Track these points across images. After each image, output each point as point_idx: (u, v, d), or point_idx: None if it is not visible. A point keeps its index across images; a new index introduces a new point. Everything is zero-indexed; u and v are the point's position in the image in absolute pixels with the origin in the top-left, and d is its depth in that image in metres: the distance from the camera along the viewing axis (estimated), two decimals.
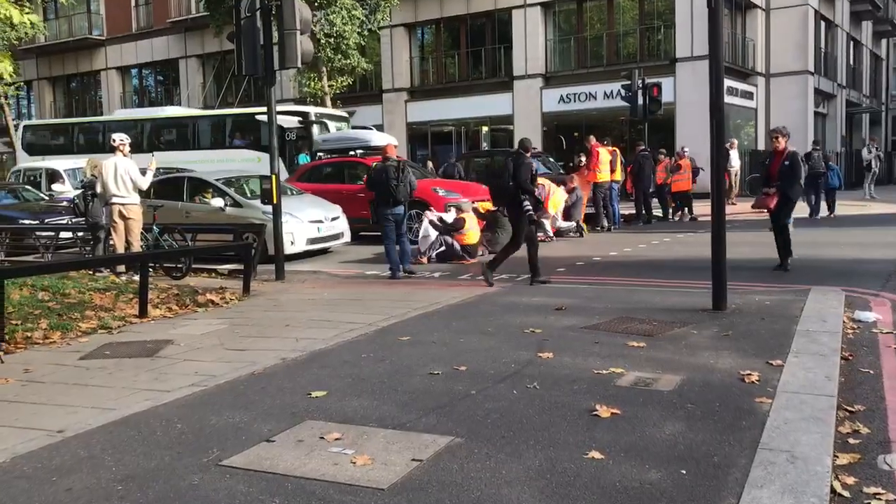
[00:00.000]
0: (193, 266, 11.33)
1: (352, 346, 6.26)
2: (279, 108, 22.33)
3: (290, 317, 7.69)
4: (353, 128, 23.01)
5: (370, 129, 23.43)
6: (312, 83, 25.04)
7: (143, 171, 11.08)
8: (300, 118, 20.79)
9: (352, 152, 17.21)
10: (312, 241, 13.32)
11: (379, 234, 15.16)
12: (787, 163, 9.84)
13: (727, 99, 25.43)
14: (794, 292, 8.03)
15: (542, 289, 9.08)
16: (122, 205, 10.80)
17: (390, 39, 30.04)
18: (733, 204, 19.15)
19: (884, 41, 41.45)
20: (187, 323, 7.62)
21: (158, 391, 5.07)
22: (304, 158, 19.90)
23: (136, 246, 10.93)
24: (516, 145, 9.96)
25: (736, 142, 22.34)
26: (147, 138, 24.12)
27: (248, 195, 13.94)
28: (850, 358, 5.64)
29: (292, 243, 12.83)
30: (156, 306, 8.36)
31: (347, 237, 14.15)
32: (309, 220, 13.28)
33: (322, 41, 23.53)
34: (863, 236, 13.61)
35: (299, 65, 10.48)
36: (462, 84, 29.51)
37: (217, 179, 14.18)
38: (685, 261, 11.61)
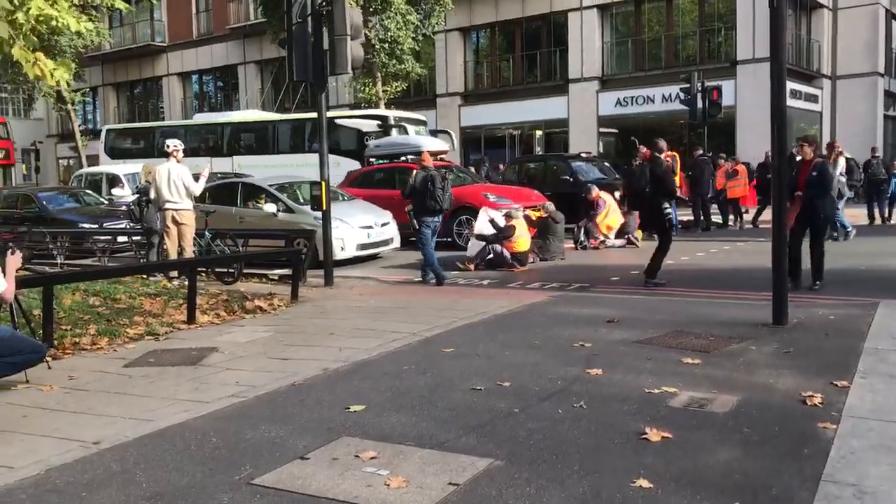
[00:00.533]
0: (245, 271, 11.39)
1: (394, 356, 6.13)
2: (360, 112, 22.61)
3: (335, 325, 7.60)
4: (431, 132, 23.00)
5: (449, 133, 23.38)
6: (367, 88, 25.12)
7: (196, 177, 11.19)
8: (379, 122, 20.73)
9: (403, 157, 17.14)
10: (362, 246, 13.28)
11: None
12: (814, 173, 9.04)
13: (790, 102, 24.66)
14: (861, 306, 7.62)
15: (594, 299, 8.84)
16: (175, 210, 10.91)
17: (445, 44, 29.99)
18: None
19: None
20: (234, 330, 7.60)
21: (197, 402, 5.01)
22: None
23: (189, 251, 11.02)
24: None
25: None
26: (227, 142, 24.48)
27: (301, 201, 13.99)
28: None
29: (342, 248, 12.80)
30: (204, 312, 8.36)
31: (397, 243, 14.08)
32: (359, 225, 13.24)
33: (377, 46, 23.59)
34: None
35: (349, 70, 10.44)
36: (517, 88, 29.28)
37: (270, 185, 14.26)
38: (745, 270, 11.20)
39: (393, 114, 21.76)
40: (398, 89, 25.56)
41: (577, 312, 7.85)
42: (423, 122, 22.33)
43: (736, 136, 24.33)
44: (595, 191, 14.57)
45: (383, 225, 13.72)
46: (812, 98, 26.55)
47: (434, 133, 23.91)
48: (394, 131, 20.51)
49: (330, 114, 23.19)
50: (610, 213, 14.33)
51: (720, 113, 20.31)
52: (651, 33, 27.19)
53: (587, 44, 27.15)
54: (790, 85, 24.57)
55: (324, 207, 10.60)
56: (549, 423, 4.36)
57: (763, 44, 23.52)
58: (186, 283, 9.23)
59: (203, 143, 25.30)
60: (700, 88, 19.39)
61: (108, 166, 23.94)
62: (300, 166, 19.64)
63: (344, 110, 27.32)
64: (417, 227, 10.75)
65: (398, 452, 3.93)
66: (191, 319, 7.98)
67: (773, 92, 6.53)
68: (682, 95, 19.92)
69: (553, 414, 4.52)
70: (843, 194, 13.47)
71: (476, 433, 4.22)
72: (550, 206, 13.59)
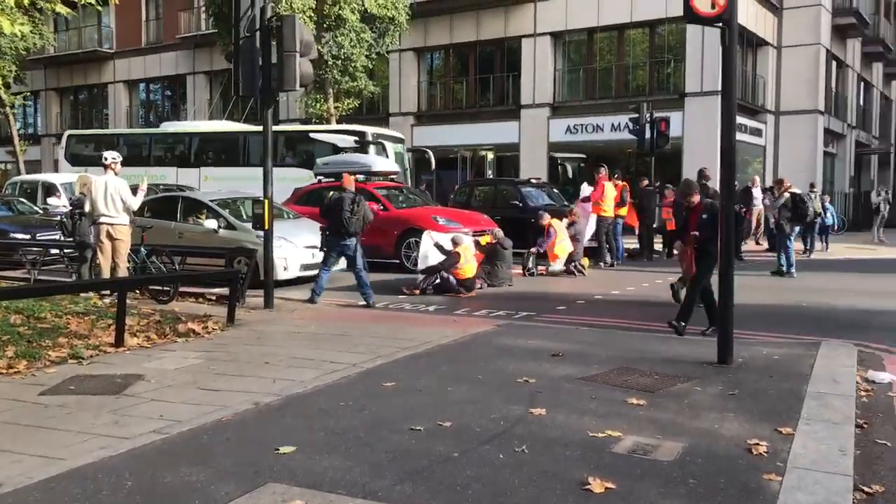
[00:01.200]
0: (181, 290, 10.97)
1: (332, 391, 5.87)
2: (336, 126, 22.18)
3: (272, 352, 7.30)
4: (409, 150, 22.66)
5: (427, 151, 23.05)
6: (318, 104, 24.81)
7: (135, 191, 10.79)
8: (356, 138, 20.30)
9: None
10: (306, 266, 12.95)
11: (374, 260, 14.91)
12: (705, 216, 8.72)
13: (736, 135, 25.15)
14: (804, 345, 7.64)
15: (540, 330, 8.70)
16: (111, 225, 10.48)
17: (399, 63, 29.87)
18: (759, 244, 19.06)
19: (894, 83, 41.23)
20: (164, 355, 7.24)
21: (116, 437, 4.68)
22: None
23: (123, 267, 10.58)
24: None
25: (758, 178, 22.02)
26: (195, 152, 23.87)
27: (244, 217, 13.61)
28: (866, 426, 5.24)
29: (285, 268, 12.51)
30: (134, 334, 7.97)
31: (343, 264, 13.73)
32: (304, 245, 12.91)
33: (329, 63, 23.36)
34: (874, 284, 13.18)
35: (297, 88, 10.17)
36: (469, 111, 29.29)
37: (212, 200, 13.86)
38: None
39: (371, 130, 21.46)
40: (350, 106, 25.31)
41: (523, 344, 7.69)
42: (401, 140, 22.00)
43: (683, 167, 24.62)
44: (547, 218, 14.51)
45: None
46: (756, 132, 27.13)
47: (412, 151, 23.62)
48: (371, 148, 20.11)
49: (305, 127, 23.10)
50: (559, 242, 14.27)
51: (668, 144, 20.55)
52: (602, 62, 27.48)
53: (540, 70, 27.33)
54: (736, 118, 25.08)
55: (266, 226, 10.29)
56: (490, 469, 4.16)
57: (711, 77, 24.02)
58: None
59: (170, 152, 24.71)
60: (649, 119, 19.61)
61: (46, 175, 23.12)
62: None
63: (296, 125, 26.95)
64: (326, 246, 11.10)
65: (327, 503, 3.68)
66: (119, 342, 7.59)
67: (722, 130, 6.52)
68: (630, 125, 20.11)
69: (494, 459, 4.32)
70: (787, 231, 13.64)
71: (412, 480, 4.00)
72: (499, 232, 13.48)
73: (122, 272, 10.48)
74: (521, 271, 14.21)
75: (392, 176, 18.01)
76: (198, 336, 8.23)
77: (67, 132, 28.22)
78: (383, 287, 12.54)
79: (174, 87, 37.24)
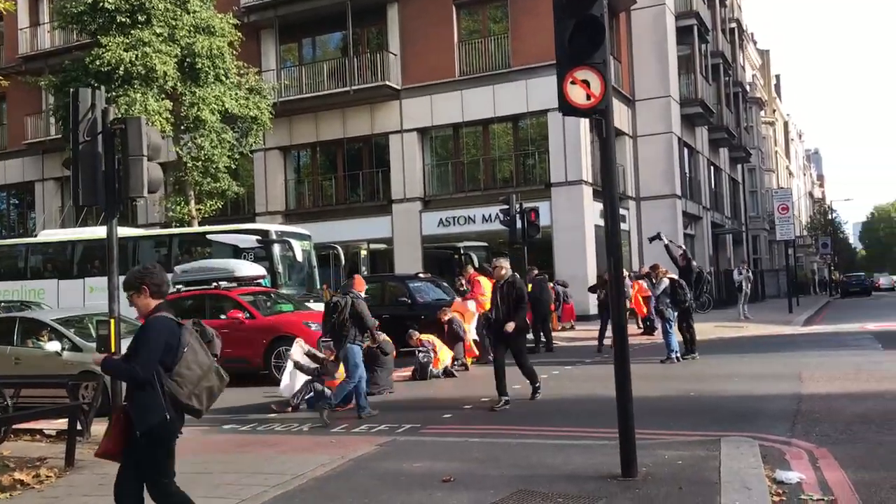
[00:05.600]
0: (15, 426, 9.52)
1: None
2: (237, 226, 20.76)
3: None
4: (317, 246, 21.53)
5: (336, 248, 21.91)
6: (179, 207, 23.60)
7: None
8: (259, 237, 19.12)
9: (214, 284, 15.77)
10: None
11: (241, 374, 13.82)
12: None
13: (599, 221, 25.80)
14: (704, 444, 7.23)
15: (426, 447, 7.94)
16: None
17: (264, 162, 29.20)
18: (638, 328, 19.13)
19: (739, 166, 44.22)
20: None
21: None
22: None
23: None
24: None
25: (625, 270, 22.43)
26: (79, 262, 21.83)
27: (94, 336, 12.24)
28: None
29: None
30: None
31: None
32: None
33: (189, 164, 22.39)
34: (752, 366, 13.20)
35: (146, 194, 9.27)
36: (340, 207, 28.83)
37: (54, 319, 12.47)
38: (578, 401, 10.80)
39: (274, 228, 20.43)
40: (213, 208, 24.23)
41: (409, 468, 6.90)
42: (308, 237, 20.92)
43: (553, 255, 24.92)
44: (448, 314, 14.17)
45: None
46: (621, 218, 27.93)
47: (322, 248, 22.46)
48: (276, 247, 19.01)
49: (203, 228, 21.73)
50: (440, 350, 13.70)
51: (538, 233, 20.70)
52: (469, 156, 27.79)
53: (409, 165, 27.32)
54: (599, 206, 25.78)
55: (112, 350, 9.13)
56: None
57: (574, 167, 24.67)
58: None
59: (49, 263, 22.64)
60: (519, 210, 19.72)
61: None
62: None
63: (156, 229, 25.49)
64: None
65: None
66: None
67: (607, 227, 6.22)
68: (501, 216, 20.16)
69: None
70: (668, 317, 13.64)
71: None
72: (381, 335, 12.71)
73: None
74: (410, 374, 13.54)
75: (259, 280, 17.00)
76: (27, 488, 6.97)
77: None
78: (252, 406, 11.50)
79: (22, 196, 34.93)
